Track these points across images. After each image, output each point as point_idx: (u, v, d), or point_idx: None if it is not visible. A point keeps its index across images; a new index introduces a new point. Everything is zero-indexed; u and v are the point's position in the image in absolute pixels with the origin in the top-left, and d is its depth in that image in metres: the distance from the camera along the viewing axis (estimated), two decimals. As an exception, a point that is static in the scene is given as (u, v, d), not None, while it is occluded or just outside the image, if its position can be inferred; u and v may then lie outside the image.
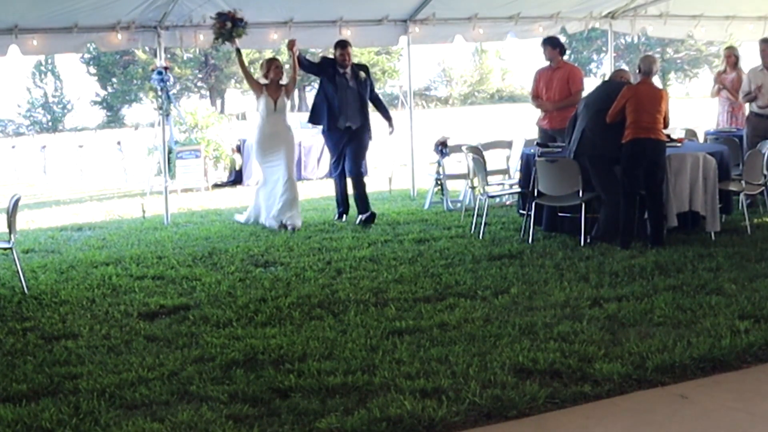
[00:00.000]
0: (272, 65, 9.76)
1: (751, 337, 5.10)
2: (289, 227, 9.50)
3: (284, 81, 9.77)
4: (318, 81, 10.17)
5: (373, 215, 9.77)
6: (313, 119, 10.11)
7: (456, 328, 5.57)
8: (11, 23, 9.24)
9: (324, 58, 10.39)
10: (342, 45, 9.88)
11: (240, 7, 9.54)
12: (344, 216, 10.14)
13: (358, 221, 9.75)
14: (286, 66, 10.17)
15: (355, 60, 10.56)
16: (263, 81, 9.72)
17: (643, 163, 7.73)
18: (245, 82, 10.11)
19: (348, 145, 9.83)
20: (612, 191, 7.91)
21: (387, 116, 10.13)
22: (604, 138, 7.88)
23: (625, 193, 7.78)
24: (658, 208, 7.77)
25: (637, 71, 7.99)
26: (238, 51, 9.72)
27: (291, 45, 9.63)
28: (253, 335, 5.59)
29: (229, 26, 9.29)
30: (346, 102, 9.69)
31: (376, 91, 10.55)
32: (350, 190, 10.04)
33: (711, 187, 8.04)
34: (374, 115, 10.10)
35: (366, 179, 10.09)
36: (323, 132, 10.15)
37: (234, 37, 9.40)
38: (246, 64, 9.92)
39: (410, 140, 12.14)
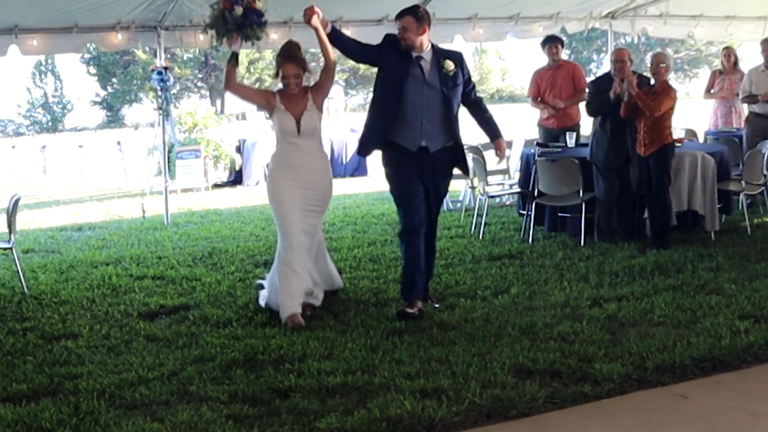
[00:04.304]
0: (282, 59, 6.05)
1: (751, 337, 5.10)
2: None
3: (310, 81, 6.22)
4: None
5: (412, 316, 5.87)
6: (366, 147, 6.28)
7: (456, 328, 5.57)
8: (11, 23, 9.24)
9: (388, 37, 6.03)
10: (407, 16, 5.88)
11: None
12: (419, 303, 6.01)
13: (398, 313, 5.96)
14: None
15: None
16: (277, 86, 6.26)
17: None
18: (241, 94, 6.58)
19: (423, 179, 5.97)
20: (601, 192, 7.95)
21: (493, 132, 6.17)
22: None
23: (665, 190, 7.70)
24: (665, 210, 7.73)
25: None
26: (235, 56, 6.01)
27: (309, 16, 5.84)
28: (253, 335, 5.58)
29: (237, 13, 5.81)
30: (420, 107, 5.87)
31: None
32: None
33: (710, 187, 8.04)
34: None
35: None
36: (383, 156, 6.14)
37: (236, 34, 5.91)
38: (236, 76, 6.16)
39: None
